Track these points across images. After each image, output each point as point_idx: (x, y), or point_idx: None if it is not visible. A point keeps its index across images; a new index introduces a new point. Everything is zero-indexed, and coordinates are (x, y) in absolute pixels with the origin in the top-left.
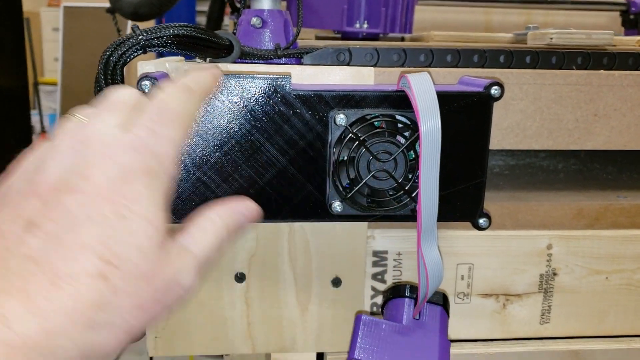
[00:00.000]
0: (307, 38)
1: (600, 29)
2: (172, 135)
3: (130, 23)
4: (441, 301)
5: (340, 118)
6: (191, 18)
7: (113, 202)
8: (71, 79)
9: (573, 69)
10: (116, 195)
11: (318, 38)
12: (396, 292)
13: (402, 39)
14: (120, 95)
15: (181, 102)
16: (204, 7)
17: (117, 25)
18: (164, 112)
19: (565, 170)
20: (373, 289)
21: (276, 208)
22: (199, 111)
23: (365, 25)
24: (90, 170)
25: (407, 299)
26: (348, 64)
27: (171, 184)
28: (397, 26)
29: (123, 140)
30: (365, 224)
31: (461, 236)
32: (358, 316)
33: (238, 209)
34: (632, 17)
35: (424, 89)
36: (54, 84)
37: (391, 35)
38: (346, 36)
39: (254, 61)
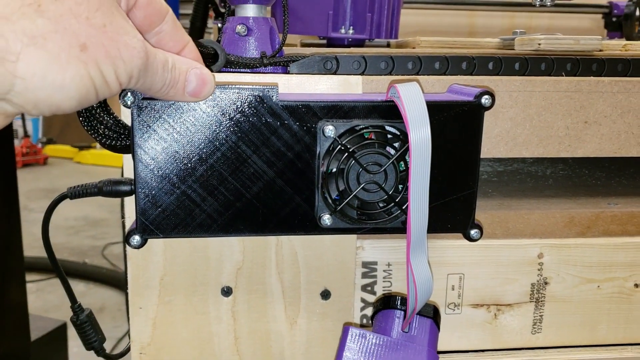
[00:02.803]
0: (292, 44)
1: (583, 32)
2: None
3: None
4: (431, 314)
5: (329, 129)
6: None
7: None
8: None
9: (562, 76)
10: None
11: (303, 45)
12: (386, 303)
13: (388, 45)
14: None
15: None
16: (188, 10)
17: None
18: None
19: (554, 176)
20: (363, 300)
21: (264, 221)
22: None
23: (351, 31)
24: None
25: (397, 311)
26: (335, 72)
27: None
28: (383, 32)
29: None
30: (354, 235)
31: (451, 246)
32: (345, 328)
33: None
34: (614, 19)
35: (413, 99)
36: None
37: (377, 40)
38: (332, 42)
39: (239, 70)
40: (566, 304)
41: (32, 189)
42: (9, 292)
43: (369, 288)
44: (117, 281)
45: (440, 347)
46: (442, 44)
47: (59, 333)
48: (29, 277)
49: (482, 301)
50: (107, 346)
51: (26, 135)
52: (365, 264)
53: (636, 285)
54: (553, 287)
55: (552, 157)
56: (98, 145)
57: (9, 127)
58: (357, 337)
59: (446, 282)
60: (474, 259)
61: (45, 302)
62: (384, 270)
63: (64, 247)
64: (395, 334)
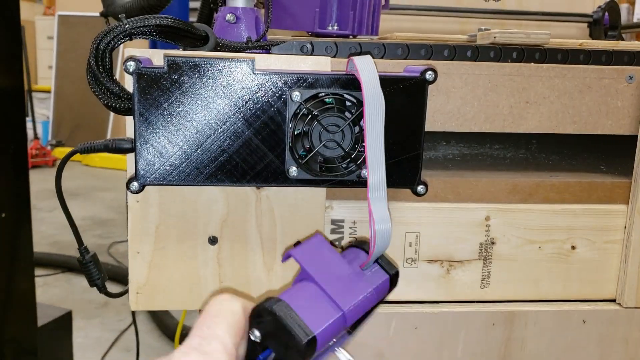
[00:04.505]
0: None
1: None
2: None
3: None
4: (392, 271)
5: (296, 95)
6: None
7: None
8: (64, 86)
9: (508, 62)
10: None
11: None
12: (357, 243)
13: None
14: None
15: None
16: (194, 17)
17: None
18: None
19: (513, 158)
20: None
21: (242, 174)
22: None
23: (336, 27)
24: None
25: (362, 252)
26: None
27: None
28: (364, 28)
29: None
30: (323, 194)
31: (409, 207)
32: (317, 234)
33: None
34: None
35: (367, 67)
36: (47, 91)
37: (359, 37)
38: (318, 37)
39: (228, 52)
40: (511, 262)
41: (41, 189)
42: (18, 281)
43: (337, 242)
44: (121, 277)
45: (399, 298)
46: (415, 39)
47: (64, 320)
48: (35, 272)
49: (436, 257)
50: (110, 337)
51: (36, 137)
52: (333, 221)
53: (573, 247)
54: (499, 247)
55: (517, 144)
56: None
57: (23, 129)
58: (321, 244)
59: (404, 239)
60: (429, 220)
61: (51, 295)
62: (350, 227)
63: (72, 245)
64: (352, 266)
